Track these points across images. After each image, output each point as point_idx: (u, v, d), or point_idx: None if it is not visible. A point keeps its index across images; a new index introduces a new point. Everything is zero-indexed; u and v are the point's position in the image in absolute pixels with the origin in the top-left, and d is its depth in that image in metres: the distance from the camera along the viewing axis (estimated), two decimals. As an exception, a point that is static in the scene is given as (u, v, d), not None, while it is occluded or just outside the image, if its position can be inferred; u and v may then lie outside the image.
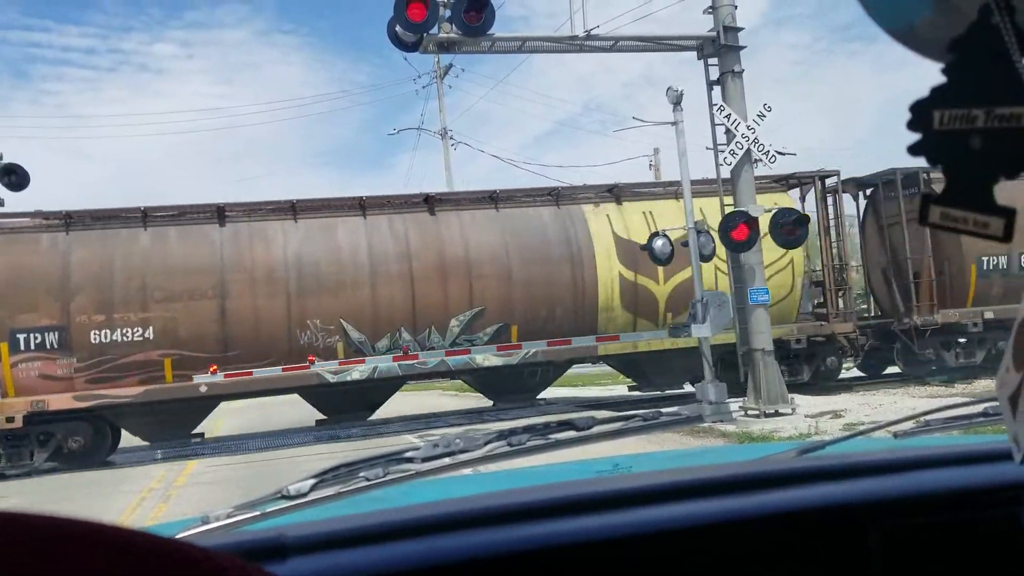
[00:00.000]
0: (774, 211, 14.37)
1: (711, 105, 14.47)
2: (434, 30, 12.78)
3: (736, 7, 14.34)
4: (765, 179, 18.26)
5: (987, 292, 19.35)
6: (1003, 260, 19.38)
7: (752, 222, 13.77)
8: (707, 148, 14.79)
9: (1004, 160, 0.77)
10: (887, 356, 20.98)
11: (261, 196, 17.88)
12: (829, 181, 19.95)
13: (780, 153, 14.36)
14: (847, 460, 1.33)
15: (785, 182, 19.46)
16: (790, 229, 14.27)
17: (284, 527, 1.17)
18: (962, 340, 19.57)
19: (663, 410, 1.61)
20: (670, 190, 18.67)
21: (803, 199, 19.90)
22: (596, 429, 1.47)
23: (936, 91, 0.80)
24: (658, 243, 15.30)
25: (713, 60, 14.51)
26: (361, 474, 1.32)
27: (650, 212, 18.36)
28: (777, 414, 14.05)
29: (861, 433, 1.81)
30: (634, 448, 1.88)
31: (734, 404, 14.66)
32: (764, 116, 14.17)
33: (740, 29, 14.37)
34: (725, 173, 14.59)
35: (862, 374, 21.82)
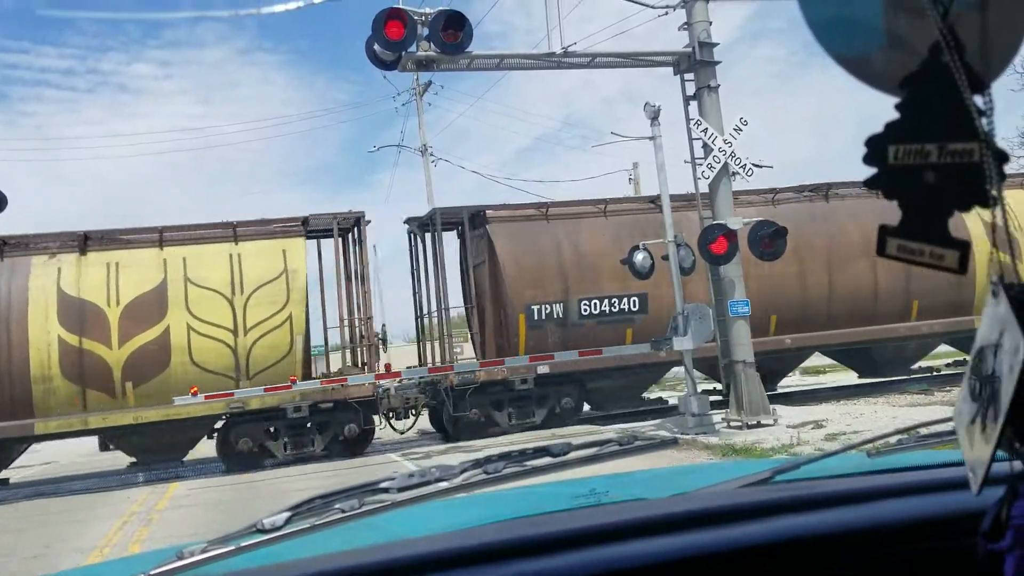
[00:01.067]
0: (752, 224, 14.46)
1: (688, 120, 14.58)
2: (412, 48, 12.83)
3: (711, 23, 14.47)
4: (275, 222, 16.75)
5: (542, 342, 17.31)
6: (558, 308, 17.64)
7: (731, 235, 13.85)
8: (685, 161, 14.89)
9: (957, 194, 0.79)
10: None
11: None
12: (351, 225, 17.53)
13: (757, 166, 14.47)
14: (815, 490, 1.34)
15: (302, 227, 17.00)
16: (768, 242, 14.36)
17: (257, 569, 1.16)
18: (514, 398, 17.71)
19: (638, 435, 1.61)
20: (148, 237, 16.19)
21: (336, 246, 17.42)
22: (572, 455, 1.48)
23: (890, 127, 0.81)
24: (638, 257, 15.36)
25: (689, 75, 14.63)
26: (336, 506, 1.32)
27: (116, 264, 15.70)
28: (759, 425, 14.10)
29: (835, 453, 1.83)
30: (611, 469, 1.89)
31: (717, 416, 14.71)
32: (741, 130, 14.28)
33: (715, 44, 14.50)
34: (704, 187, 14.69)
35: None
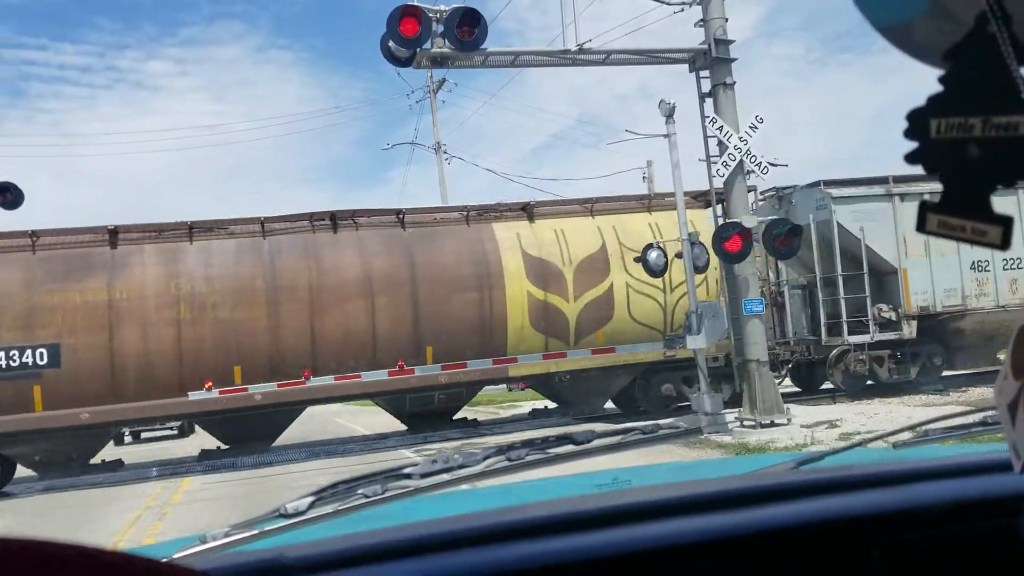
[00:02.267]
0: (766, 222, 14.40)
1: (703, 117, 14.53)
2: (427, 45, 12.83)
3: (727, 20, 14.41)
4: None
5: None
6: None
7: (746, 233, 13.79)
8: (700, 160, 14.85)
9: (1001, 169, 0.77)
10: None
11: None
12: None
13: (772, 164, 14.41)
14: (846, 473, 1.32)
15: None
16: (783, 240, 14.30)
17: (283, 547, 1.16)
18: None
19: (661, 423, 1.60)
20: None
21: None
22: (595, 443, 1.47)
23: (933, 100, 0.80)
24: (652, 255, 15.31)
25: (705, 72, 14.58)
26: (360, 491, 1.31)
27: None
28: (773, 424, 14.05)
29: (859, 444, 1.81)
30: (631, 461, 1.87)
31: (730, 415, 14.66)
32: (756, 128, 14.22)
33: (731, 42, 14.44)
34: (718, 184, 14.64)
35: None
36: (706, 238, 15.07)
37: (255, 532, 1.26)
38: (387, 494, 1.32)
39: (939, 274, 18.62)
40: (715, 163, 14.42)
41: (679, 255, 14.81)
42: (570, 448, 1.46)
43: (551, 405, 20.39)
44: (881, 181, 18.90)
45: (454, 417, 19.11)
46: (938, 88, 0.79)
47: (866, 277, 18.45)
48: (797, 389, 20.81)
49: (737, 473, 1.68)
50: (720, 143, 14.28)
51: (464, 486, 1.48)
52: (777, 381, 18.99)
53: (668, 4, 14.47)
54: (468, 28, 12.83)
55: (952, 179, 0.80)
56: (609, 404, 20.42)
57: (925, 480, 1.25)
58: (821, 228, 18.58)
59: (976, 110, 0.77)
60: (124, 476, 16.53)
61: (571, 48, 13.77)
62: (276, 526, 1.27)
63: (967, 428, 1.68)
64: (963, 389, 18.59)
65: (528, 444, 1.46)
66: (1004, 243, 0.79)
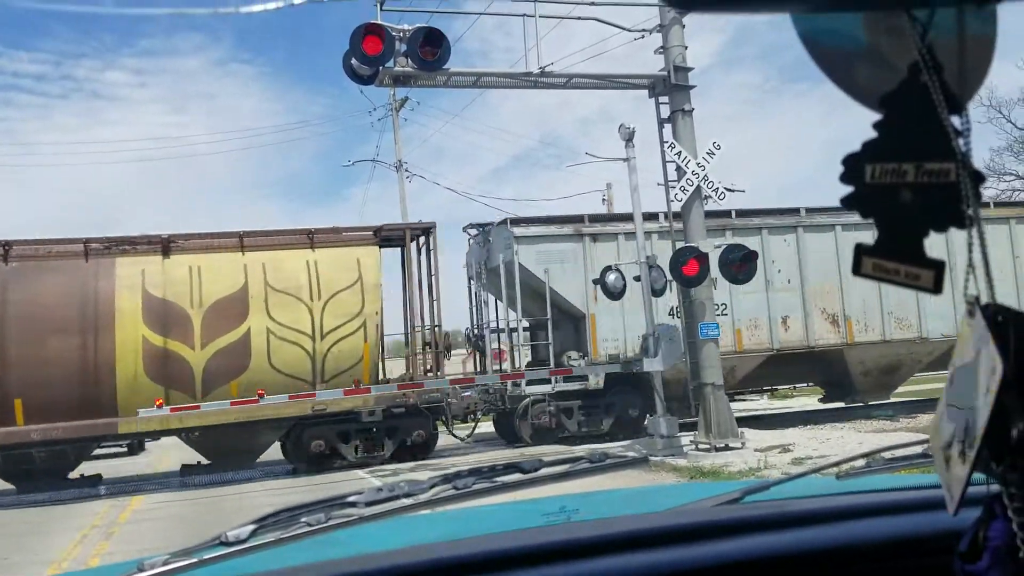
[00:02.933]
0: (722, 248, 14.57)
1: (662, 142, 14.68)
2: (390, 63, 12.83)
3: (686, 48, 14.62)
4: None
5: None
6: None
7: (702, 257, 13.93)
8: (659, 184, 14.99)
9: (934, 215, 0.79)
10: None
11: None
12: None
13: (729, 190, 14.62)
14: (788, 509, 1.34)
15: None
16: (739, 266, 14.47)
17: None
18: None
19: (609, 452, 1.60)
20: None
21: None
22: (542, 471, 1.47)
23: (868, 145, 0.81)
24: (611, 277, 15.40)
25: (664, 98, 14.76)
26: (303, 519, 1.29)
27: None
28: (727, 448, 14.15)
29: (805, 474, 1.83)
30: (581, 487, 1.88)
31: (685, 438, 14.74)
32: (714, 154, 14.40)
33: (690, 69, 14.64)
34: (676, 208, 14.79)
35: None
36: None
37: (194, 560, 1.24)
38: (330, 523, 1.30)
39: (633, 319, 16.85)
40: (673, 187, 14.56)
41: (637, 278, 14.91)
42: (517, 477, 1.46)
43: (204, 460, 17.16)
44: (573, 220, 18.03)
45: (69, 475, 16.33)
46: (873, 134, 0.81)
47: (550, 323, 17.50)
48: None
49: (685, 502, 1.69)
50: (678, 168, 14.44)
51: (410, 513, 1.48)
52: (465, 435, 18.20)
53: (629, 31, 14.64)
54: (431, 48, 12.86)
55: (886, 224, 0.81)
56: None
57: (859, 517, 1.27)
58: (509, 268, 17.45)
59: (909, 156, 0.79)
60: (72, 494, 16.15)
61: (533, 71, 13.87)
62: (216, 554, 1.25)
63: (910, 459, 1.71)
64: (913, 415, 18.90)
65: (475, 472, 1.46)
66: (937, 287, 0.81)
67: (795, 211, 19.31)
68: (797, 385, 23.71)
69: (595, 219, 18.43)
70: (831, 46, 0.84)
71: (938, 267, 0.80)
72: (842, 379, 20.09)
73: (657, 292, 15.03)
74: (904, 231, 0.80)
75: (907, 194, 0.79)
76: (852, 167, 0.81)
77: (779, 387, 23.49)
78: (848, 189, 0.82)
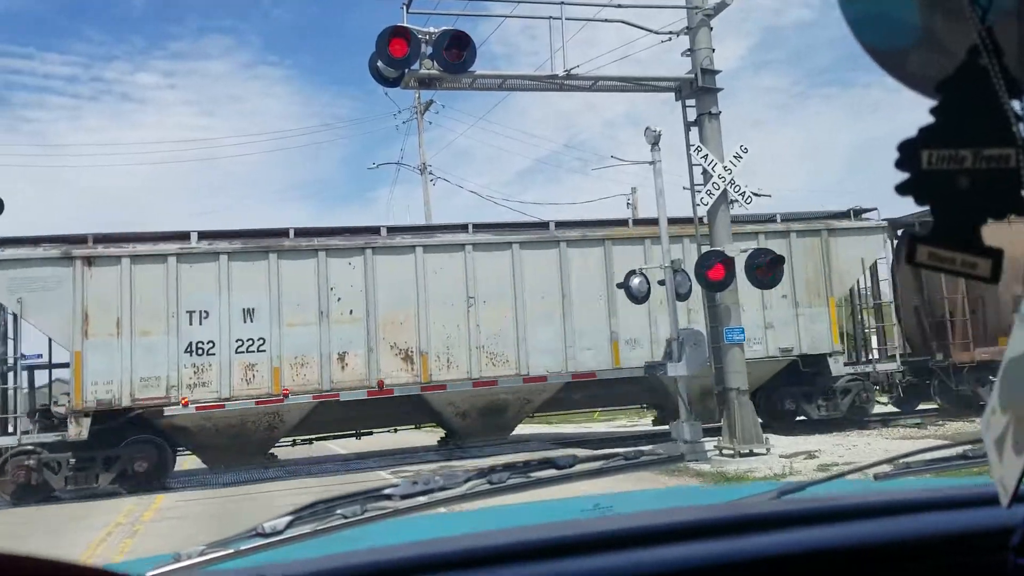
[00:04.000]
0: (749, 252, 14.48)
1: (688, 146, 14.62)
2: (415, 66, 12.87)
3: (714, 50, 14.55)
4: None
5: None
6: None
7: (728, 262, 13.86)
8: (684, 188, 14.93)
9: (992, 201, 0.77)
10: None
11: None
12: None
13: (756, 194, 14.50)
14: (829, 503, 1.32)
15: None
16: (764, 270, 14.37)
17: (260, 567, 1.14)
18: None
19: (644, 449, 1.59)
20: None
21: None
22: (577, 468, 1.46)
23: (924, 131, 0.80)
24: (635, 281, 15.35)
25: (691, 101, 14.70)
26: (339, 511, 1.29)
27: None
28: (752, 454, 14.05)
29: (842, 475, 1.80)
30: (611, 488, 1.86)
31: (709, 443, 14.65)
32: (741, 157, 14.33)
33: (717, 72, 14.58)
34: (702, 212, 14.73)
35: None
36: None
37: (231, 551, 1.24)
38: (366, 515, 1.30)
39: (142, 358, 14.86)
40: (699, 191, 14.50)
41: (662, 282, 14.85)
42: (552, 472, 1.45)
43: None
44: (61, 240, 15.10)
45: None
46: (930, 119, 0.79)
47: (17, 363, 15.28)
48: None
49: (718, 502, 1.67)
50: (705, 172, 14.37)
51: (443, 509, 1.47)
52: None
53: (656, 33, 14.60)
54: (457, 51, 12.90)
55: (942, 211, 0.80)
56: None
57: (909, 512, 1.24)
58: None
59: (967, 142, 0.78)
60: (95, 491, 16.30)
61: (559, 73, 13.86)
62: (253, 545, 1.25)
63: (947, 461, 1.68)
64: (940, 423, 18.68)
65: (510, 468, 1.45)
66: (994, 276, 0.79)
67: (373, 230, 16.80)
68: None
69: (100, 240, 15.26)
70: (883, 32, 0.83)
71: (996, 256, 0.78)
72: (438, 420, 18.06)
73: (682, 296, 14.96)
74: (961, 219, 0.79)
75: (964, 180, 0.78)
76: (908, 153, 0.80)
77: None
78: (903, 176, 0.81)
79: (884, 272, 20.83)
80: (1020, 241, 12.68)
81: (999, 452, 0.79)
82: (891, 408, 21.44)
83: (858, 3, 0.81)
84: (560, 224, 18.01)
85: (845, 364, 19.12)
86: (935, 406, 20.89)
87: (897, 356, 20.22)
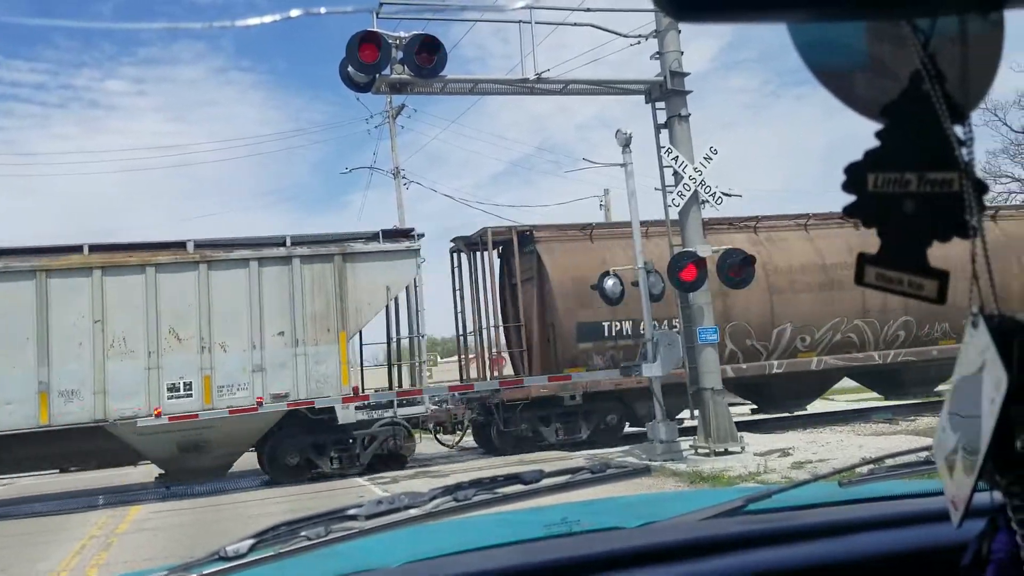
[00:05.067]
0: (721, 252, 14.58)
1: (659, 148, 14.69)
2: (386, 71, 12.83)
3: (682, 53, 14.63)
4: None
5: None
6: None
7: (700, 262, 13.94)
8: (656, 189, 14.99)
9: (936, 224, 0.78)
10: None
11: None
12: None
13: (726, 194, 14.60)
14: (791, 523, 1.33)
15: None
16: (737, 270, 14.47)
17: None
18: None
19: (610, 462, 1.60)
20: None
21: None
22: (543, 483, 1.46)
23: (870, 154, 0.81)
24: (609, 283, 15.40)
25: (661, 104, 14.77)
26: (302, 533, 1.28)
27: None
28: (727, 452, 14.13)
29: (807, 482, 1.82)
30: (582, 495, 1.86)
31: (685, 443, 14.72)
32: (711, 159, 14.42)
33: (686, 74, 14.66)
34: (673, 214, 14.79)
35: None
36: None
37: (193, 576, 1.23)
38: (331, 536, 1.29)
39: None
40: (670, 193, 14.57)
41: (635, 283, 14.91)
42: (518, 488, 1.45)
43: None
44: None
45: None
46: (875, 143, 0.80)
47: None
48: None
49: (687, 511, 1.68)
50: (675, 173, 14.45)
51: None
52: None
53: (625, 36, 14.66)
54: (427, 55, 12.87)
55: (889, 232, 0.81)
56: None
57: (867, 530, 1.26)
58: None
59: (912, 165, 0.79)
60: (70, 504, 16.12)
61: (529, 77, 13.88)
62: (215, 569, 1.24)
63: (913, 466, 1.70)
64: (911, 418, 18.89)
65: (476, 484, 1.45)
66: (940, 297, 0.80)
67: None
68: None
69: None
70: (830, 57, 0.84)
71: (942, 277, 0.79)
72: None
73: (655, 297, 15.03)
74: (907, 240, 0.80)
75: (910, 203, 0.79)
76: (854, 176, 0.81)
77: None
78: (850, 198, 0.82)
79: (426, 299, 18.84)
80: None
81: (949, 471, 0.80)
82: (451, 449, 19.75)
83: (807, 30, 0.82)
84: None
85: (361, 408, 16.28)
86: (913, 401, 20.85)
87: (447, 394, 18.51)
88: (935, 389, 21.22)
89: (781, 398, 20.47)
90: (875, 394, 23.66)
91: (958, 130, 0.76)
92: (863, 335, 19.58)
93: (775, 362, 19.11)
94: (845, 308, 19.20)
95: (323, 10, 0.82)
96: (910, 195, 0.79)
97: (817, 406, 22.22)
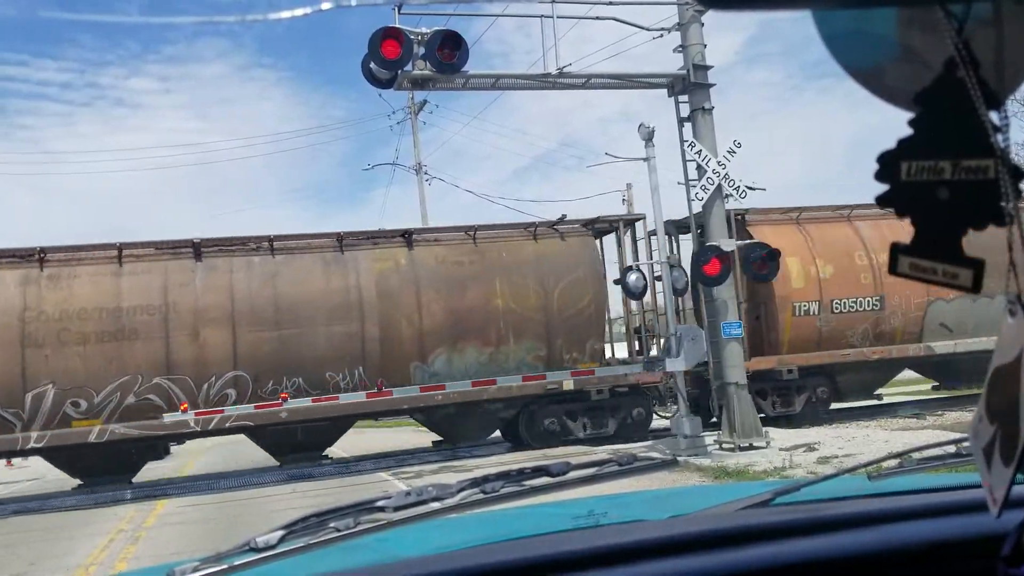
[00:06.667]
0: (744, 246, 14.50)
1: (682, 142, 14.63)
2: (408, 67, 12.85)
3: (705, 46, 14.55)
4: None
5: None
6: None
7: (724, 256, 13.87)
8: (679, 183, 14.94)
9: (971, 212, 0.78)
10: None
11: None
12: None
13: (750, 188, 14.53)
14: (823, 513, 1.32)
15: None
16: (760, 264, 14.39)
17: None
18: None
19: (638, 455, 1.60)
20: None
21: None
22: (570, 475, 1.46)
23: (903, 143, 0.80)
24: (632, 277, 15.37)
25: (684, 97, 14.70)
26: (331, 524, 1.29)
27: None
28: (752, 447, 14.06)
29: (836, 475, 1.81)
30: (608, 489, 1.86)
31: (709, 438, 14.67)
32: (734, 152, 14.33)
33: (709, 67, 14.58)
34: (697, 208, 14.73)
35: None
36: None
37: (224, 567, 1.24)
38: (359, 527, 1.30)
39: None
40: (694, 187, 14.51)
41: (659, 278, 14.87)
42: (545, 480, 1.45)
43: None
44: None
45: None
46: (909, 131, 0.79)
47: None
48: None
49: (714, 503, 1.68)
50: (699, 167, 14.38)
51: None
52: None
53: (647, 30, 14.59)
54: (449, 51, 12.87)
55: (923, 222, 0.80)
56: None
57: (901, 520, 1.24)
58: None
59: (946, 153, 0.78)
60: (97, 498, 16.29)
61: (551, 72, 13.85)
62: (245, 560, 1.25)
63: (943, 459, 1.69)
64: (939, 413, 18.71)
65: (503, 476, 1.45)
66: (975, 285, 0.79)
67: None
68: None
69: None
70: (860, 48, 0.83)
71: (976, 265, 0.78)
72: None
73: (678, 291, 14.99)
74: (941, 229, 0.79)
75: (944, 191, 0.78)
76: (887, 164, 0.80)
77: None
78: (883, 187, 0.81)
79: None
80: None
81: (987, 461, 0.79)
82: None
83: (834, 21, 0.81)
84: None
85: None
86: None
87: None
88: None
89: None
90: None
91: (993, 116, 0.75)
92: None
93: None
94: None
95: (354, 2, 0.82)
96: (944, 183, 0.78)
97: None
